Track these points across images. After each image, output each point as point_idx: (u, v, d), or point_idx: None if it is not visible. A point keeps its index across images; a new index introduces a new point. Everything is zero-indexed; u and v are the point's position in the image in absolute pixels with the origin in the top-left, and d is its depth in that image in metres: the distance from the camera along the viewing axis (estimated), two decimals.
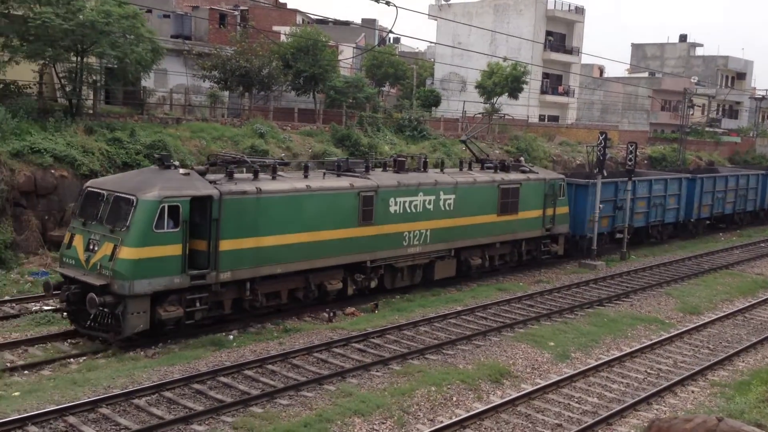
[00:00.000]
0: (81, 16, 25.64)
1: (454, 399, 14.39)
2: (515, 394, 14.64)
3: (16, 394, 13.24)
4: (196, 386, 14.02)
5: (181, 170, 16.95)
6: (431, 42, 59.95)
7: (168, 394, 13.59)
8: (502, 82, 48.54)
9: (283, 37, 43.25)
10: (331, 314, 19.32)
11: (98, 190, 16.56)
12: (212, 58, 35.96)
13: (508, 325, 19.26)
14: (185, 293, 16.20)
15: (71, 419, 12.26)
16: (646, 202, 32.25)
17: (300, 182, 18.45)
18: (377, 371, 15.47)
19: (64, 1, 25.95)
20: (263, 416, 12.76)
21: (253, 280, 17.46)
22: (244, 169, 18.54)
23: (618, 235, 30.83)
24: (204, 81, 36.12)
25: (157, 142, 26.88)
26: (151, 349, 16.18)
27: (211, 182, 16.62)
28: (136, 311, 15.39)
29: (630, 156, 29.79)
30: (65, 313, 16.63)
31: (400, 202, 20.66)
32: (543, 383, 15.37)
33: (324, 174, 20.07)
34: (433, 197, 21.69)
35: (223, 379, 14.45)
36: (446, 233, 22.25)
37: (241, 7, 45.55)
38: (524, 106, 54.21)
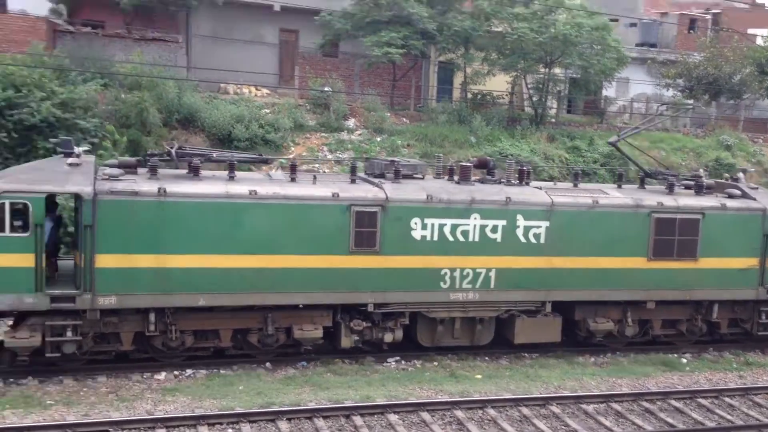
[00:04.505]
0: (553, 30, 27.08)
1: None
2: None
3: (478, 377, 14.64)
4: (645, 404, 13.65)
5: (70, 159, 13.55)
6: None
7: (616, 406, 13.50)
8: None
9: (759, 40, 39.33)
10: None
11: None
12: (677, 65, 34.57)
13: None
14: (48, 318, 12.81)
15: (524, 410, 13.03)
16: None
17: (239, 186, 13.63)
18: None
19: (539, 16, 27.74)
20: None
21: (163, 312, 13.48)
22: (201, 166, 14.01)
23: None
24: (667, 89, 34.94)
25: (614, 151, 26.90)
26: (600, 358, 16.32)
27: (106, 178, 13.03)
28: None
29: None
30: None
31: (433, 225, 14.58)
32: None
33: (314, 178, 14.82)
34: (502, 222, 14.98)
35: (674, 402, 13.79)
36: (530, 277, 15.29)
37: (713, 11, 42.78)
38: None
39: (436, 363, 15.23)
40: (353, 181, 14.79)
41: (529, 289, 15.36)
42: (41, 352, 12.86)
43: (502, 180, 16.03)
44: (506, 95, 31.22)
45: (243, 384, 13.39)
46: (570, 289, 15.58)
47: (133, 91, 23.03)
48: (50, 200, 13.68)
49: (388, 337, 14.79)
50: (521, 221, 15.07)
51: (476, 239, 14.84)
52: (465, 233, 14.74)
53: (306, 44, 31.20)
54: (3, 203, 12.21)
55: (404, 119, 29.16)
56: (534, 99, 30.31)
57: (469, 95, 30.85)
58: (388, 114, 28.49)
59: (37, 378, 13.05)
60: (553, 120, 31.24)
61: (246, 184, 13.69)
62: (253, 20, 30.57)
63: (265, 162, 16.65)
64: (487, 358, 15.79)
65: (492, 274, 15.00)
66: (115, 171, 13.30)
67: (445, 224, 14.64)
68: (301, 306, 14.25)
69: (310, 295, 14.04)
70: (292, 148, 25.01)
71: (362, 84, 31.42)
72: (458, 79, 32.16)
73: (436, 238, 14.57)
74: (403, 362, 15.21)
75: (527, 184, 16.03)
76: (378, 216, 14.16)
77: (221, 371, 13.99)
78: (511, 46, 28.28)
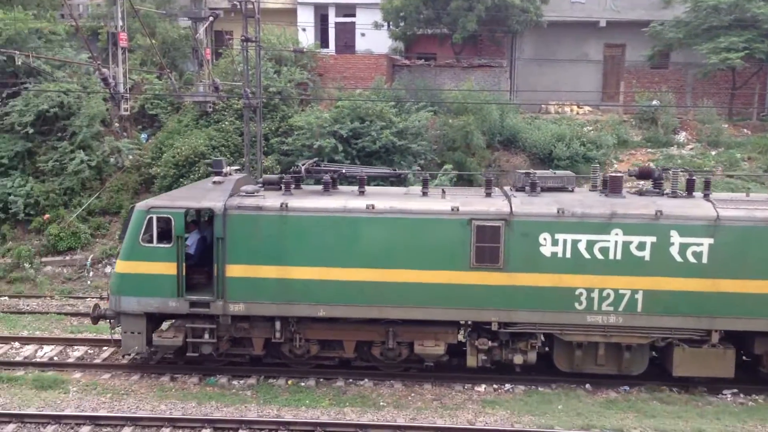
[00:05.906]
0: None
1: None
2: None
3: None
4: None
5: (215, 178, 14.93)
6: None
7: None
8: None
9: None
10: None
11: None
12: None
13: None
14: (188, 320, 14.31)
15: None
16: None
17: (358, 201, 13.80)
18: None
19: None
20: None
21: (287, 320, 14.15)
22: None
23: None
24: None
25: None
26: None
27: (244, 194, 14.10)
28: (129, 330, 14.29)
29: None
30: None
31: (566, 241, 13.27)
32: None
33: (443, 192, 14.45)
34: (651, 239, 13.23)
35: None
36: (689, 301, 13.36)
37: None
38: None
39: None
40: (488, 195, 14.26)
41: (688, 315, 13.55)
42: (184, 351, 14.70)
43: (666, 192, 14.30)
44: None
45: (562, 403, 13.35)
46: (743, 317, 13.45)
47: (460, 116, 24.32)
48: (208, 215, 14.60)
49: (518, 359, 14.11)
50: (676, 238, 13.34)
51: (618, 257, 13.40)
52: (604, 250, 13.41)
53: (632, 58, 30.06)
54: (151, 218, 13.88)
55: (745, 130, 26.40)
56: None
57: None
58: (726, 125, 26.06)
59: (372, 380, 14.37)
60: None
61: (367, 199, 13.92)
62: (577, 38, 30.46)
63: (398, 177, 16.59)
64: None
65: (639, 296, 13.45)
66: (250, 188, 14.48)
67: (580, 240, 13.40)
68: (423, 321, 14.02)
69: (428, 311, 13.77)
70: (615, 165, 24.13)
71: (695, 95, 29.30)
72: None
73: (569, 255, 13.44)
74: (741, 395, 13.75)
75: (706, 196, 14.05)
76: (501, 231, 13.45)
77: (539, 388, 14.01)
78: None
